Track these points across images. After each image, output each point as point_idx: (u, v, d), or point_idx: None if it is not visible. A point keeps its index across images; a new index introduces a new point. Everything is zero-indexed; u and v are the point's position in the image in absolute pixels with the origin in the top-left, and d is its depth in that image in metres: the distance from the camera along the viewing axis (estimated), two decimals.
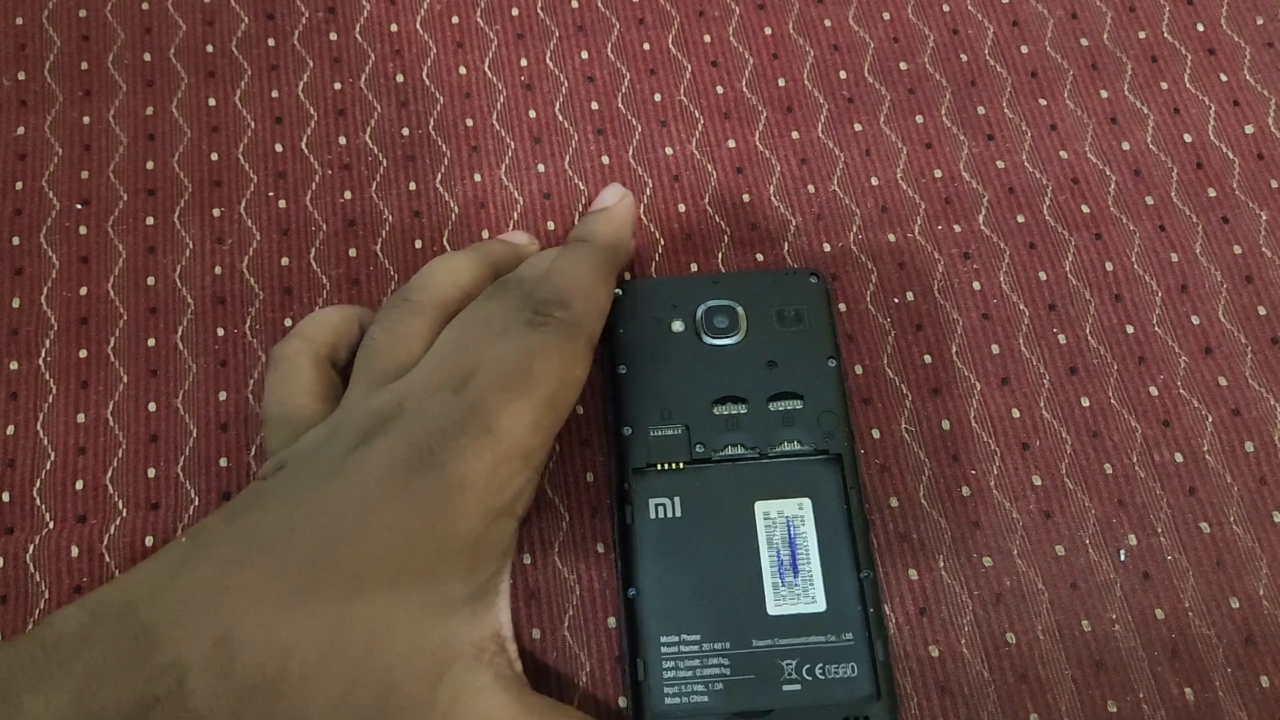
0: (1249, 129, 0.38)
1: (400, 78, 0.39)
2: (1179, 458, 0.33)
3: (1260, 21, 0.40)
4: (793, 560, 0.30)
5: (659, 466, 0.31)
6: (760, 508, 0.31)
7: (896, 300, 0.36)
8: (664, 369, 0.32)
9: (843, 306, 0.35)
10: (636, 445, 0.31)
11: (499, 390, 0.27)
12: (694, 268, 0.36)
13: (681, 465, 0.31)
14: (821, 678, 0.29)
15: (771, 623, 0.29)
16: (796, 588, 0.30)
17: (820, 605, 0.30)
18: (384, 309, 0.31)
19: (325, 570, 0.26)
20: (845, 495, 0.31)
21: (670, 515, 0.31)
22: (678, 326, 0.33)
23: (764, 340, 0.33)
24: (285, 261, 0.36)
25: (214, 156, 0.37)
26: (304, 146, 0.38)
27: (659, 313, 0.33)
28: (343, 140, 0.38)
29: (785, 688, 0.29)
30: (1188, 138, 0.38)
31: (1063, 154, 0.38)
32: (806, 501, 0.31)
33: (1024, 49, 0.40)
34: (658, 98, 0.39)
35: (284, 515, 0.26)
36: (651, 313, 0.33)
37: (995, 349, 0.35)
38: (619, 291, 0.33)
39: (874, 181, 0.37)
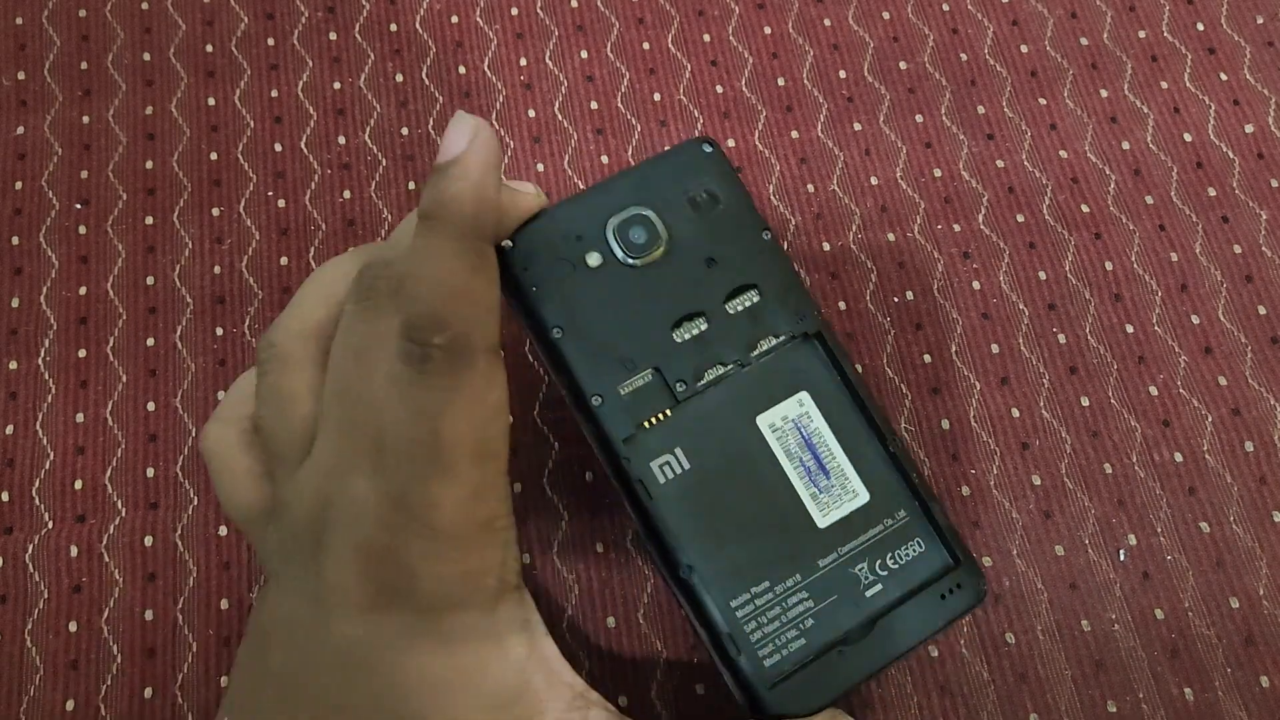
0: (1249, 128, 0.38)
1: (400, 77, 0.39)
2: (1179, 457, 0.33)
3: (1260, 21, 0.40)
4: (818, 462, 0.28)
5: (646, 424, 0.27)
6: (763, 421, 0.28)
7: (896, 299, 0.35)
8: (602, 313, 0.28)
9: (842, 305, 0.35)
10: (614, 413, 0.27)
11: (418, 475, 0.23)
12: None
13: (669, 412, 0.28)
14: (896, 566, 0.27)
15: (827, 535, 0.27)
16: (834, 488, 0.28)
17: (864, 495, 0.28)
18: (258, 360, 0.26)
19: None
20: (839, 371, 0.28)
21: (679, 470, 0.27)
22: (594, 260, 0.28)
23: (689, 238, 0.29)
24: (284, 261, 0.36)
25: (213, 156, 0.37)
26: (303, 146, 0.38)
27: (565, 251, 0.28)
28: (342, 140, 0.38)
29: (869, 593, 0.27)
30: (1188, 137, 0.38)
31: (1062, 153, 0.38)
32: (804, 395, 0.28)
33: (1024, 48, 0.40)
34: (657, 97, 0.39)
35: (297, 695, 0.24)
36: (557, 254, 0.28)
37: (995, 348, 0.35)
38: (509, 243, 0.28)
39: (874, 181, 0.37)
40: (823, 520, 0.27)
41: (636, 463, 0.27)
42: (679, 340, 0.28)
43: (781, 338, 0.28)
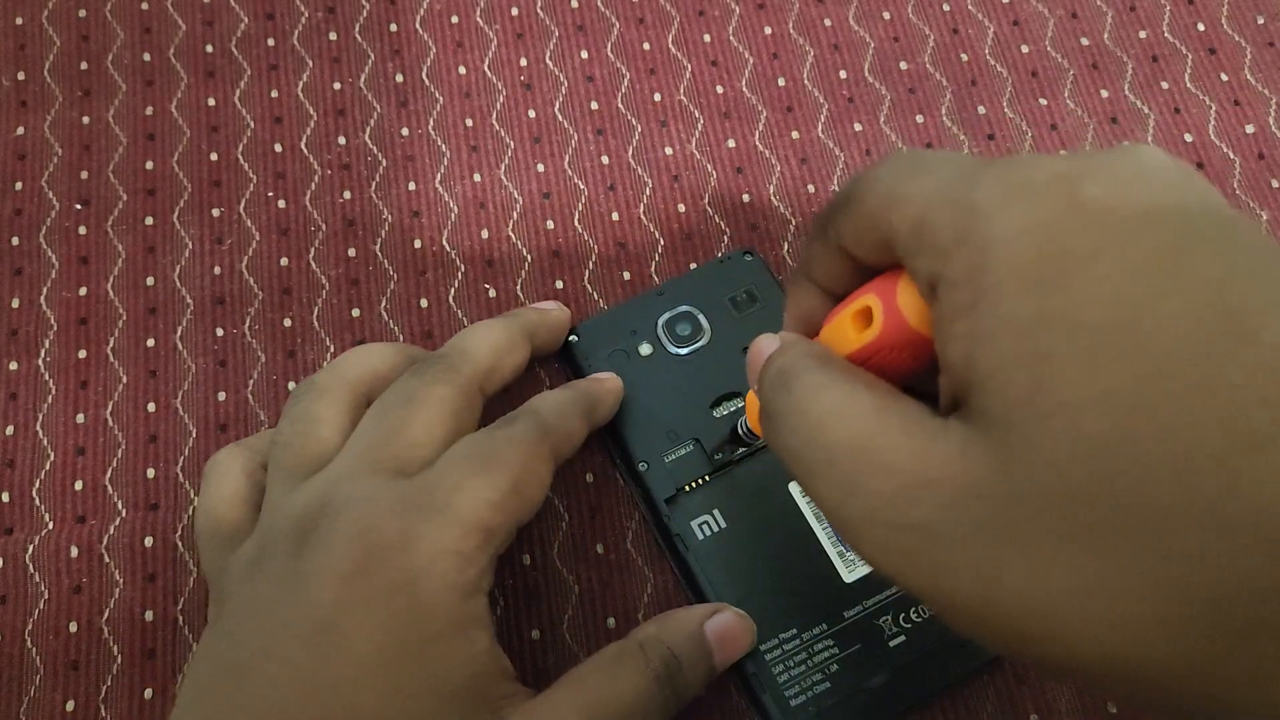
0: (1250, 129, 0.38)
1: (400, 77, 0.39)
2: None
3: (1261, 21, 0.40)
4: None
5: (687, 488, 0.31)
6: (795, 487, 0.31)
7: None
8: (651, 394, 0.32)
9: None
10: (657, 477, 0.31)
11: (457, 469, 0.26)
12: (692, 265, 0.36)
13: (708, 478, 0.32)
14: (919, 620, 0.30)
15: (852, 589, 0.30)
16: None
17: None
18: (290, 398, 0.30)
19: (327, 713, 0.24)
20: None
21: (716, 529, 0.31)
22: (645, 349, 0.33)
23: (729, 331, 0.33)
24: (284, 262, 0.36)
25: (213, 156, 0.37)
26: (303, 146, 0.38)
27: (621, 343, 0.33)
28: (342, 140, 0.38)
29: (892, 644, 0.29)
30: (1188, 137, 0.38)
31: (1063, 154, 0.38)
32: None
33: (1024, 48, 0.39)
34: (657, 97, 0.39)
35: (259, 675, 0.24)
36: (614, 346, 0.33)
37: None
38: (575, 338, 0.33)
39: None
40: (849, 576, 0.30)
41: (676, 520, 0.31)
42: (718, 416, 0.32)
43: None
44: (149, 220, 0.36)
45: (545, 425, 0.28)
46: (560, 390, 0.31)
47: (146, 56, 0.39)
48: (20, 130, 0.38)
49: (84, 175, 0.37)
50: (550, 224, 0.37)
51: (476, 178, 0.37)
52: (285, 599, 0.25)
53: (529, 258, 0.36)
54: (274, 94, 0.38)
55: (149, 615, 0.32)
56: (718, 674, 0.29)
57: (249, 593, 0.26)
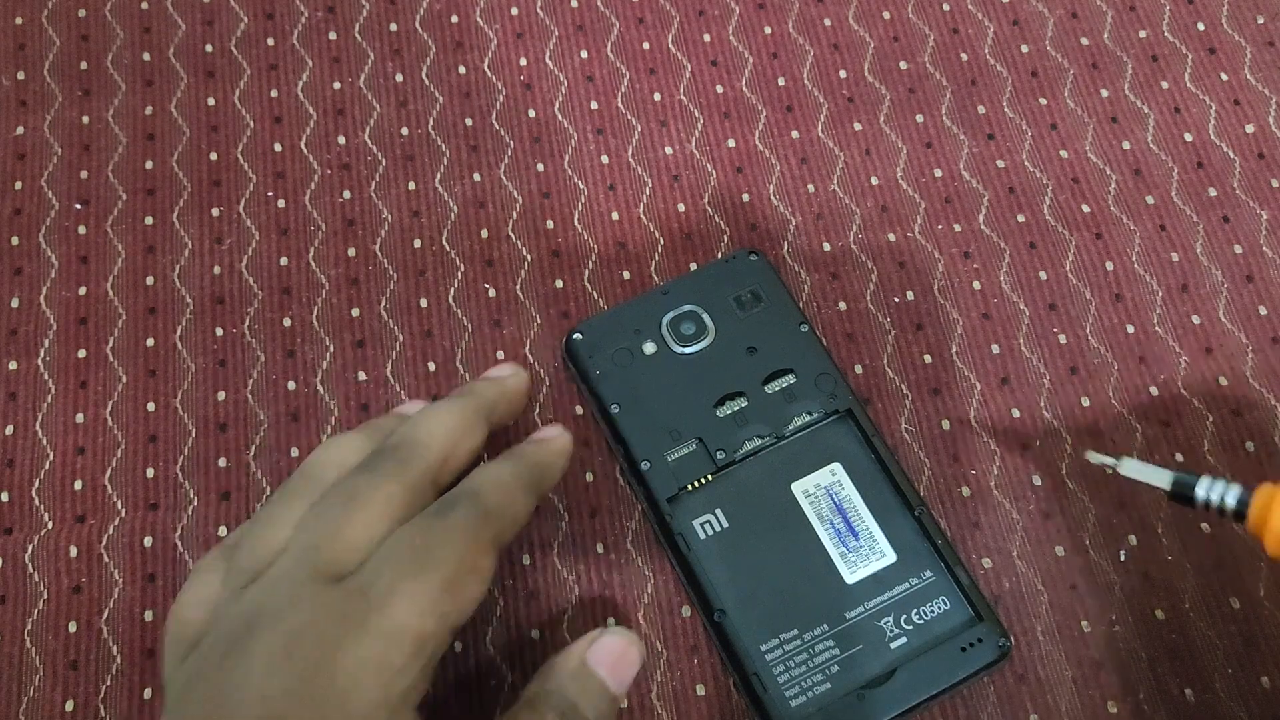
0: (1250, 128, 0.38)
1: (399, 77, 0.39)
2: (1179, 458, 0.33)
3: (1261, 21, 0.40)
4: (848, 525, 0.31)
5: (689, 487, 0.31)
6: (798, 488, 0.31)
7: (896, 300, 0.35)
8: (654, 393, 0.32)
9: (842, 306, 0.35)
10: (660, 476, 0.31)
11: (389, 570, 0.25)
12: (692, 265, 0.36)
13: (710, 477, 0.31)
14: (921, 622, 0.30)
15: (854, 590, 0.30)
16: (862, 549, 0.31)
17: (890, 556, 0.30)
18: (263, 501, 0.28)
19: None
20: (869, 445, 0.32)
21: (719, 528, 0.31)
22: (649, 348, 0.33)
23: (734, 331, 0.33)
24: (284, 261, 0.36)
25: (213, 156, 0.37)
26: (303, 146, 0.38)
27: (625, 341, 0.33)
28: (342, 140, 0.38)
29: (893, 644, 0.29)
30: (1188, 137, 0.38)
31: (1063, 153, 0.38)
32: (837, 466, 0.32)
33: (1024, 48, 0.39)
34: (657, 97, 0.39)
35: None
36: (618, 344, 0.33)
37: (995, 349, 0.35)
38: (579, 336, 0.33)
39: (874, 181, 0.37)
40: (851, 577, 0.30)
41: (678, 519, 0.31)
42: (721, 416, 0.32)
43: (815, 415, 0.32)
44: (149, 220, 0.36)
45: (486, 511, 0.27)
46: (503, 464, 0.29)
47: (146, 56, 0.39)
48: (20, 130, 0.38)
49: (84, 175, 0.37)
50: (550, 224, 0.37)
51: (476, 177, 0.37)
52: (209, 706, 0.24)
53: (529, 257, 0.36)
54: (274, 94, 0.38)
55: (149, 615, 0.32)
56: (621, 699, 0.28)
57: (183, 707, 0.25)
